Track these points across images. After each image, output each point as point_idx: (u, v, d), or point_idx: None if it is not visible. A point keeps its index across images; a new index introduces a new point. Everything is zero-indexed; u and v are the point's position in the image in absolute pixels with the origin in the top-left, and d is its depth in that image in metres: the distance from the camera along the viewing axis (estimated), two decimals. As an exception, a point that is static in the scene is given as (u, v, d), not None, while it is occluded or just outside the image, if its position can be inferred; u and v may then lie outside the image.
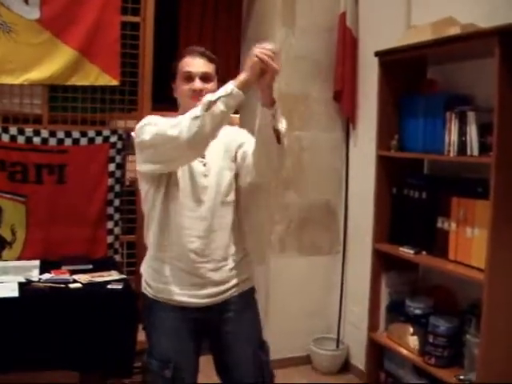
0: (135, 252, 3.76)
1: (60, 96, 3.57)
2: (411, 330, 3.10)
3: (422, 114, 3.10)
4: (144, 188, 2.26)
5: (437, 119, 2.98)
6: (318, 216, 4.17)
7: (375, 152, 3.31)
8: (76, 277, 3.15)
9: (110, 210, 3.66)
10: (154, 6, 3.61)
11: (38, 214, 3.51)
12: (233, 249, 2.29)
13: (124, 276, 3.22)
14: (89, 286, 3.04)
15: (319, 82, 4.06)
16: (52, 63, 3.45)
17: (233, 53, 4.52)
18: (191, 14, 4.42)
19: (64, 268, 3.28)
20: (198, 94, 2.14)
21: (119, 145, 3.61)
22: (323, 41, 4.03)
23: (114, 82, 3.59)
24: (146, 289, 2.32)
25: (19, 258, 3.47)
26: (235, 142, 2.30)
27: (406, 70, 3.26)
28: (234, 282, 2.29)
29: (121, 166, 3.65)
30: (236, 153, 2.29)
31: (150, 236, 2.28)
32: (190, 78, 2.19)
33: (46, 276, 3.14)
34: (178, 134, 1.94)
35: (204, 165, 2.24)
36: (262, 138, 2.04)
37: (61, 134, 3.51)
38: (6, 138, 3.42)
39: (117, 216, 3.69)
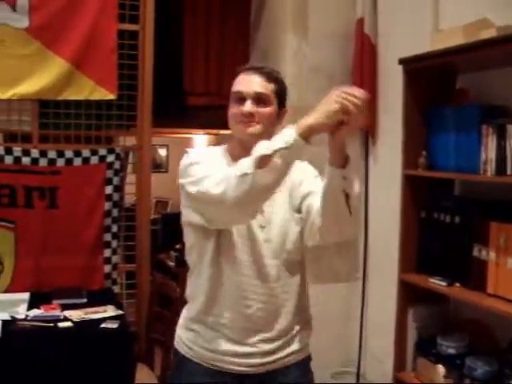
0: (135, 282, 3.43)
1: (51, 112, 3.30)
2: (443, 371, 2.76)
3: (454, 127, 2.77)
4: (189, 236, 1.93)
5: (471, 133, 2.65)
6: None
7: (400, 171, 2.97)
8: (67, 313, 2.85)
9: (107, 237, 3.38)
10: (153, 13, 3.32)
11: (28, 241, 3.24)
12: (297, 318, 1.95)
13: (121, 312, 2.91)
14: (80, 325, 2.73)
15: (335, 94, 3.73)
16: (42, 76, 3.19)
17: (241, 61, 4.20)
18: (196, 22, 4.16)
19: (55, 302, 2.98)
20: (247, 119, 1.79)
21: (117, 165, 3.32)
22: (338, 49, 3.72)
23: (111, 96, 3.30)
24: (179, 344, 1.97)
25: (7, 291, 3.20)
26: (300, 188, 1.92)
27: (433, 79, 2.94)
28: (287, 351, 1.94)
29: (119, 189, 3.36)
30: (301, 204, 1.91)
31: (196, 294, 1.93)
32: (240, 99, 1.81)
33: (35, 312, 2.86)
34: (221, 195, 1.61)
35: (262, 213, 1.86)
36: (330, 202, 1.71)
37: (52, 154, 3.25)
38: (-9, 158, 3.14)
39: (114, 243, 3.41)
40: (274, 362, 1.90)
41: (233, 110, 1.83)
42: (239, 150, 1.85)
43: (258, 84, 1.82)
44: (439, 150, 2.88)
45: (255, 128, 1.80)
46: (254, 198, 1.61)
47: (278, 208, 1.87)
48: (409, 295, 3.00)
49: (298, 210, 1.90)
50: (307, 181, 1.91)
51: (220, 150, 1.95)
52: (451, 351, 2.78)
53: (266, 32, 4.00)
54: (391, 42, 3.52)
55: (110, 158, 3.31)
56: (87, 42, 3.22)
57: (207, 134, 5.64)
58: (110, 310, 2.91)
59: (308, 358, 2.07)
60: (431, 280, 2.82)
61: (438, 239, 2.89)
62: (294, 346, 1.96)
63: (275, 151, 1.56)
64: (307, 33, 3.65)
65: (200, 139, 6.07)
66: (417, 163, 2.93)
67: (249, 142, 1.79)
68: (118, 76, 3.31)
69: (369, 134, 3.71)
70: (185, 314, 1.99)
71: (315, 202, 1.81)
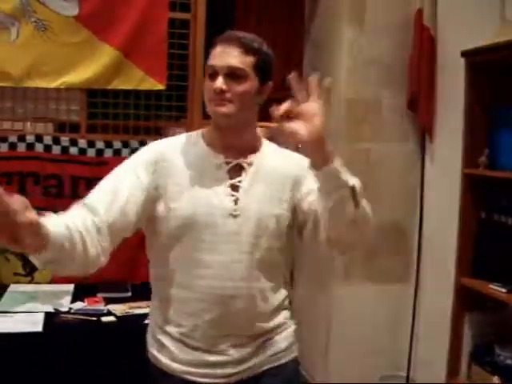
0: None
1: (99, 101, 3.23)
2: (500, 382, 2.61)
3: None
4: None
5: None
6: (389, 239, 3.67)
7: (460, 169, 2.82)
8: (111, 307, 2.79)
9: (154, 230, 3.26)
10: (205, 2, 3.21)
11: (74, 232, 3.15)
12: (271, 316, 1.73)
13: (165, 307, 2.82)
14: (123, 320, 2.66)
15: (392, 88, 3.57)
16: (91, 65, 3.12)
17: (295, 53, 4.09)
18: (248, 13, 4.04)
19: (99, 295, 2.92)
20: (219, 98, 1.58)
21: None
22: (396, 41, 3.54)
23: (160, 87, 3.21)
24: (149, 354, 1.80)
25: (52, 281, 3.13)
26: (301, 187, 1.69)
27: (497, 74, 2.77)
28: (267, 355, 1.73)
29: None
30: (299, 203, 1.68)
31: (153, 297, 1.81)
32: (214, 74, 1.60)
33: (78, 305, 2.80)
34: None
35: (235, 201, 1.65)
36: (332, 210, 1.45)
37: (100, 144, 3.18)
38: (39, 147, 3.11)
39: (161, 236, 3.28)
40: (252, 367, 1.70)
41: (205, 85, 1.62)
42: (214, 133, 1.69)
43: (233, 57, 1.59)
44: (502, 149, 2.73)
45: (227, 107, 1.58)
46: None
47: (255, 198, 1.65)
48: (465, 300, 2.88)
49: (292, 209, 1.69)
50: (308, 179, 1.63)
51: (194, 136, 1.74)
52: (509, 362, 2.63)
53: (320, 23, 3.86)
54: (452, 34, 3.34)
55: (158, 149, 3.22)
56: (137, 30, 3.13)
57: (261, 126, 5.52)
58: (154, 305, 2.84)
59: (293, 362, 1.80)
60: (490, 286, 2.67)
61: (498, 242, 2.75)
62: (277, 347, 1.74)
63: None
64: (363, 24, 3.49)
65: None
66: (477, 162, 2.79)
67: (221, 122, 1.63)
68: (168, 66, 3.22)
69: (425, 131, 3.54)
70: (150, 317, 1.84)
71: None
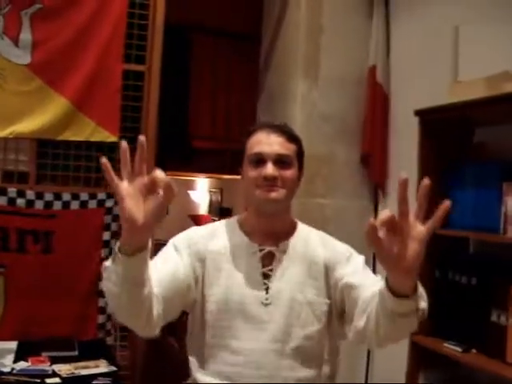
0: (127, 334, 3.21)
1: (50, 152, 3.13)
2: None
3: (472, 184, 2.64)
4: None
5: (491, 191, 2.51)
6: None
7: (414, 227, 2.81)
8: (56, 367, 2.65)
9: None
10: (161, 54, 3.18)
11: (19, 287, 3.03)
12: None
13: (114, 368, 2.70)
14: (68, 381, 2.53)
15: (345, 143, 3.59)
16: (42, 115, 3.03)
17: (249, 105, 4.09)
18: (203, 65, 4.05)
19: (44, 354, 2.78)
20: (270, 184, 1.61)
21: (116, 210, 3.13)
22: (351, 96, 3.58)
23: (113, 138, 3.13)
24: None
25: (-6, 339, 2.97)
26: (335, 273, 1.68)
27: (451, 132, 2.80)
28: None
29: (117, 235, 3.15)
30: (333, 290, 1.67)
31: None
32: (260, 161, 1.64)
33: (21, 365, 2.65)
34: None
35: (266, 289, 1.64)
36: (397, 324, 1.38)
37: (49, 196, 3.07)
38: (-15, 198, 2.98)
39: (110, 292, 3.16)
40: None
41: (252, 173, 1.65)
42: (255, 221, 1.70)
43: (279, 144, 1.65)
44: (456, 208, 2.72)
45: (279, 193, 1.63)
46: None
47: (287, 286, 1.65)
48: (420, 358, 2.83)
49: (329, 294, 1.67)
50: (341, 264, 1.69)
51: (230, 223, 1.77)
52: (465, 423, 2.60)
53: (275, 77, 3.88)
54: (405, 92, 3.41)
55: (110, 203, 3.12)
56: (90, 81, 3.07)
57: (210, 177, 5.49)
58: (102, 366, 2.71)
59: None
60: (445, 345, 2.65)
61: (453, 301, 2.72)
62: None
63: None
64: (317, 78, 3.52)
65: (202, 182, 5.93)
66: (432, 220, 2.79)
67: (268, 208, 1.64)
68: (122, 118, 3.17)
69: (378, 187, 3.57)
70: None
71: (359, 297, 1.57)
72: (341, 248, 1.78)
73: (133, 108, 3.22)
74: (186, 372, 1.77)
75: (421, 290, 1.37)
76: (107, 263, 1.34)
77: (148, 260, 1.33)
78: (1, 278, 3.01)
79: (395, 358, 3.06)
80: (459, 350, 2.57)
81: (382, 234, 1.19)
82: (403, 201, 1.22)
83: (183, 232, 1.74)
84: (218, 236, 1.71)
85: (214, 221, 1.87)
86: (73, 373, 2.61)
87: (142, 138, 1.23)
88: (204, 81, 4.12)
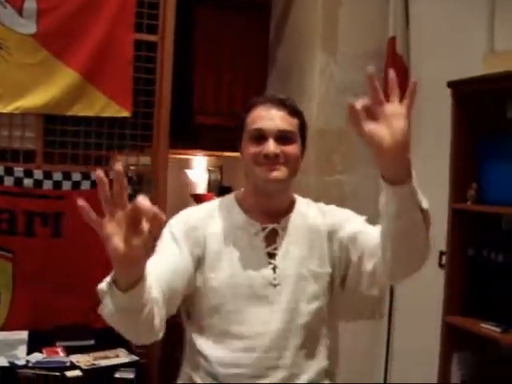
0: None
1: (58, 128, 2.94)
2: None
3: (506, 158, 2.54)
4: None
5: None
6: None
7: (448, 204, 2.71)
8: (74, 358, 2.51)
9: (116, 270, 2.99)
10: (174, 23, 3.00)
11: (28, 273, 2.87)
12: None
13: (136, 358, 2.57)
14: (91, 374, 2.38)
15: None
16: (49, 88, 2.86)
17: (257, 79, 3.93)
18: (208, 36, 3.87)
19: (58, 344, 2.62)
20: (272, 162, 1.51)
21: (129, 190, 2.95)
22: (369, 69, 3.43)
23: (125, 114, 2.97)
24: None
25: (3, 328, 2.82)
26: (338, 236, 1.62)
27: (484, 105, 2.68)
28: None
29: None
30: (345, 254, 1.61)
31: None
32: (261, 137, 1.53)
33: (36, 357, 2.51)
34: None
35: (274, 269, 1.56)
36: (402, 228, 1.35)
37: (58, 176, 2.90)
38: (-11, 179, 2.80)
39: (123, 277, 3.01)
40: None
41: (252, 149, 1.53)
42: (254, 200, 1.60)
43: (281, 119, 1.54)
44: (490, 182, 2.63)
45: (281, 171, 1.52)
46: None
47: (293, 262, 1.58)
48: (454, 340, 2.73)
49: (333, 263, 1.61)
50: (343, 225, 1.63)
51: (227, 201, 1.66)
52: (503, 405, 2.51)
53: (288, 50, 3.73)
54: (426, 64, 3.28)
55: (122, 183, 2.96)
56: (100, 52, 2.90)
57: (211, 155, 5.31)
58: (123, 355, 2.58)
59: None
60: (483, 325, 2.55)
61: (488, 280, 2.63)
62: None
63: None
64: (336, 51, 3.38)
65: (199, 161, 5.75)
66: (465, 196, 2.68)
67: (269, 188, 1.54)
68: (133, 91, 2.99)
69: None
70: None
71: (364, 245, 1.55)
72: (340, 212, 1.71)
73: (146, 81, 3.04)
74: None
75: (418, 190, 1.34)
76: (102, 288, 1.21)
77: (146, 286, 1.22)
78: (8, 263, 2.84)
79: (414, 339, 3.01)
80: (498, 330, 2.47)
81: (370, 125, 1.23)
82: (374, 89, 1.25)
83: (179, 215, 1.63)
84: (216, 216, 1.62)
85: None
86: (93, 364, 2.48)
87: (118, 166, 1.08)
88: (209, 54, 3.94)
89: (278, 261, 1.57)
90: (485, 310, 2.61)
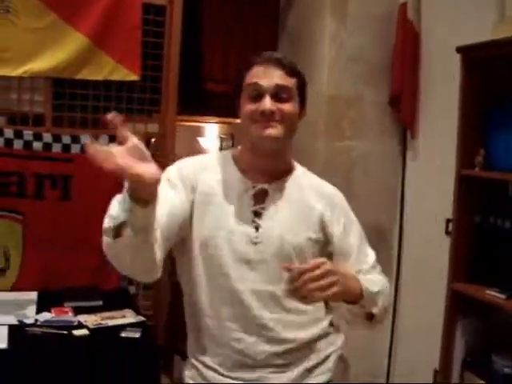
0: (154, 283, 3.10)
1: (67, 92, 2.95)
2: (496, 392, 2.50)
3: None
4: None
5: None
6: (368, 238, 3.54)
7: (446, 168, 2.71)
8: (82, 318, 2.54)
9: (124, 232, 3.01)
10: (183, -14, 2.99)
11: (37, 235, 2.91)
12: (310, 345, 1.62)
13: (142, 318, 2.60)
14: (97, 333, 2.42)
15: (373, 84, 3.42)
16: (58, 52, 2.86)
17: (267, 42, 3.89)
18: (216, 4, 3.83)
19: (67, 305, 2.66)
20: (267, 119, 1.49)
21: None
22: (380, 35, 3.40)
23: (134, 77, 2.97)
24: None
25: (13, 289, 2.88)
26: (324, 224, 1.61)
27: (494, 71, 2.65)
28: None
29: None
30: (324, 241, 1.62)
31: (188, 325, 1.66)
32: (257, 94, 1.50)
33: (45, 316, 2.54)
34: None
35: (256, 227, 1.55)
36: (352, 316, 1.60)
37: (67, 139, 2.92)
38: None
39: (132, 239, 3.04)
40: None
41: (249, 107, 1.51)
42: (250, 159, 1.59)
43: (278, 77, 1.51)
44: (499, 149, 2.61)
45: (277, 129, 1.50)
46: None
47: (278, 225, 1.56)
48: (459, 306, 2.74)
49: (319, 241, 1.61)
50: (336, 225, 1.63)
51: (223, 156, 1.66)
52: (507, 371, 2.51)
53: (298, 13, 3.68)
54: (436, 30, 3.24)
55: (130, 146, 2.97)
56: (109, 15, 2.89)
57: (223, 122, 5.29)
58: (130, 316, 2.61)
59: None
60: (487, 292, 2.55)
61: (494, 247, 2.62)
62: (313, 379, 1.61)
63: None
64: (346, 17, 3.33)
65: (211, 128, 5.73)
66: (473, 163, 2.66)
67: (265, 145, 1.52)
68: (142, 55, 2.98)
69: (407, 128, 3.42)
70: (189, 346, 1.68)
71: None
72: (337, 202, 1.68)
73: (154, 45, 3.03)
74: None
75: (374, 293, 1.54)
76: (118, 216, 1.21)
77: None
78: (18, 225, 2.88)
79: (419, 305, 3.02)
80: (503, 296, 2.48)
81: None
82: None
83: (176, 162, 1.64)
84: (209, 169, 1.61)
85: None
86: (100, 323, 2.51)
87: (109, 115, 1.07)
88: (218, 20, 3.90)
89: (263, 220, 1.55)
90: (490, 276, 2.62)
